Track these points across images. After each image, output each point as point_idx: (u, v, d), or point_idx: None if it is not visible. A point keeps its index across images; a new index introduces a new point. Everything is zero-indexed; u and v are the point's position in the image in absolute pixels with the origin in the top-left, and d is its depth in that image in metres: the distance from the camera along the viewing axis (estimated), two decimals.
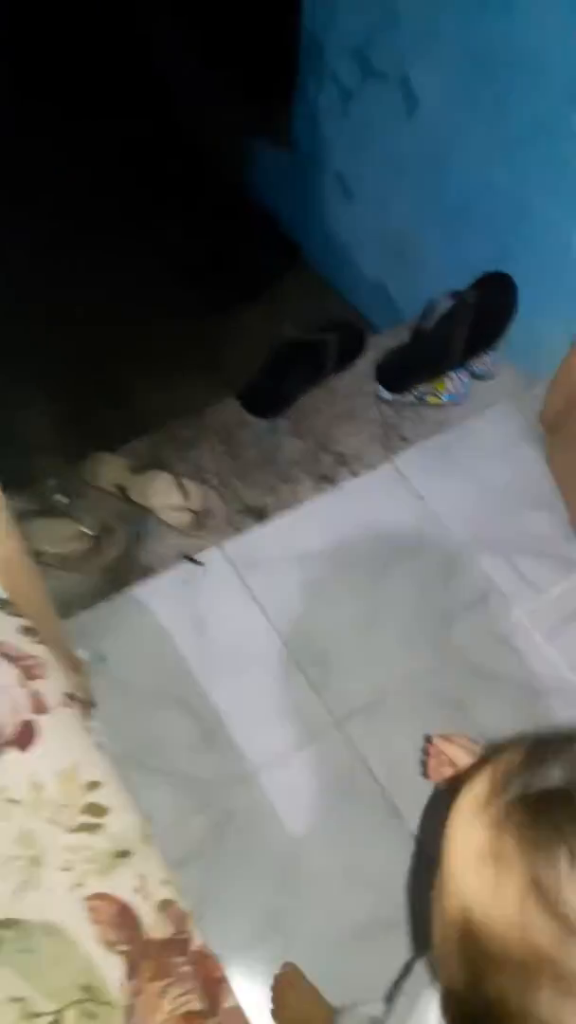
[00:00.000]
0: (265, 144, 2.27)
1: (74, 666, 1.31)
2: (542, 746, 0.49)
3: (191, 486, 1.56)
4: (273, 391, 1.73)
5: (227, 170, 2.35)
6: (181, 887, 0.80)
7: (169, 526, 1.54)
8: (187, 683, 1.40)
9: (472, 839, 0.48)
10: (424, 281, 1.90)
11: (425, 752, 1.10)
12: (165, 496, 1.54)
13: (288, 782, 1.33)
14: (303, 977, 1.18)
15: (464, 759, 0.97)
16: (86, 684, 1.34)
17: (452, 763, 0.98)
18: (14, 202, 1.95)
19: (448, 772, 0.99)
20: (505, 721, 1.40)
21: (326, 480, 1.64)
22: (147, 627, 1.45)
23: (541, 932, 0.43)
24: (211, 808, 1.30)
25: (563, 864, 0.43)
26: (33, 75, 2.37)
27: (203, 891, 1.23)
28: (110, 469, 1.58)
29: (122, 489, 1.55)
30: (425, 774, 1.02)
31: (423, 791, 1.33)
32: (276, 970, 1.19)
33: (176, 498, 1.54)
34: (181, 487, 1.55)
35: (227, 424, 1.69)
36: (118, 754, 1.32)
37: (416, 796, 1.32)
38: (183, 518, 1.54)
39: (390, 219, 1.97)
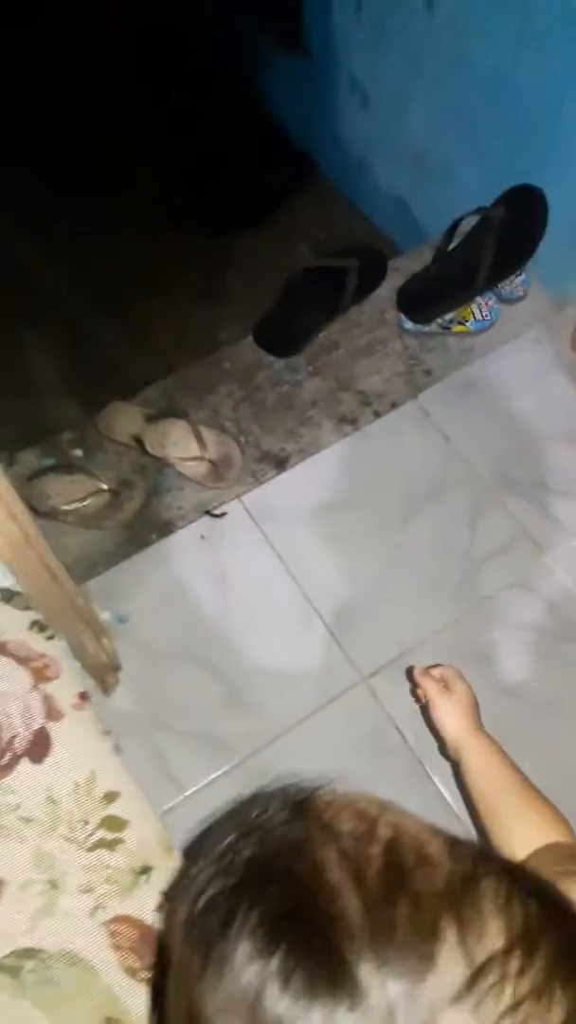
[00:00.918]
0: (275, 48, 2.10)
1: (99, 631, 1.29)
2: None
3: (208, 435, 1.51)
4: (289, 326, 1.65)
5: (236, 80, 2.18)
6: None
7: (187, 478, 1.50)
8: (210, 641, 1.38)
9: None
10: (448, 196, 1.78)
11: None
12: (182, 447, 1.50)
13: (315, 740, 1.32)
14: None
15: (434, 692, 1.05)
16: (111, 649, 1.33)
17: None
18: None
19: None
20: (535, 673, 1.38)
21: (347, 422, 1.57)
22: (168, 585, 1.42)
23: None
24: (238, 770, 1.30)
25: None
26: None
27: None
28: (125, 420, 1.53)
29: (138, 440, 1.50)
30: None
31: None
32: None
33: (193, 448, 1.49)
34: (198, 436, 1.49)
35: (244, 365, 1.62)
36: (143, 716, 1.33)
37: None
38: (200, 469, 1.49)
39: (410, 127, 1.82)
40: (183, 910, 0.44)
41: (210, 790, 1.29)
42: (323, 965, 0.38)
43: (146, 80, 2.14)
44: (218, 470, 1.50)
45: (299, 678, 1.37)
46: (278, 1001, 0.38)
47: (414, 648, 1.39)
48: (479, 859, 0.43)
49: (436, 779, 1.30)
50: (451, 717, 1.03)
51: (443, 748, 1.07)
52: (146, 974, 0.72)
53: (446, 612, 1.42)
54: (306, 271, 1.67)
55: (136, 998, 0.71)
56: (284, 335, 1.65)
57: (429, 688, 1.06)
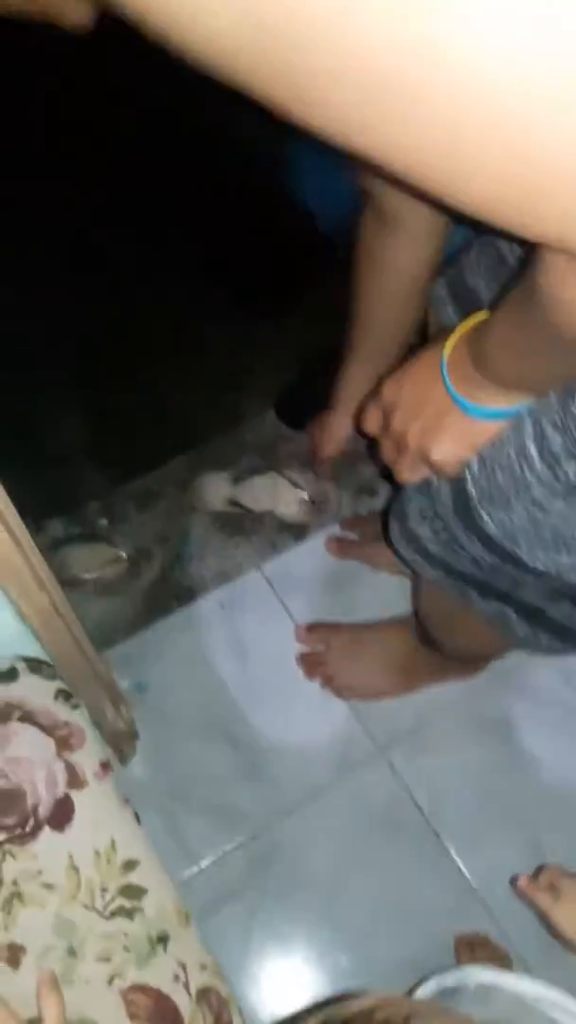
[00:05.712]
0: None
1: (117, 700, 1.31)
2: None
3: (298, 477, 1.56)
4: (308, 399, 1.69)
5: (262, 165, 2.27)
6: (220, 969, 0.80)
7: (207, 544, 1.53)
8: (229, 712, 1.40)
9: None
10: None
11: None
12: (283, 494, 1.54)
13: (332, 814, 1.32)
14: None
15: (547, 904, 0.96)
16: (130, 717, 1.34)
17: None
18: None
19: None
20: (552, 742, 1.38)
21: (365, 492, 1.61)
22: (187, 654, 1.44)
23: None
24: (255, 842, 1.30)
25: None
26: None
27: (247, 927, 1.24)
28: (215, 488, 1.57)
29: (235, 503, 1.54)
30: None
31: (468, 823, 1.32)
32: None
33: (290, 492, 1.54)
34: (290, 479, 1.54)
35: (265, 438, 1.67)
36: (159, 786, 1.34)
37: (461, 827, 1.31)
38: (303, 509, 1.54)
39: None
40: None
41: (223, 864, 1.29)
42: None
43: (170, 177, 2.22)
44: (318, 504, 1.55)
45: (317, 750, 1.37)
46: None
47: (432, 718, 1.39)
48: None
49: (453, 851, 1.29)
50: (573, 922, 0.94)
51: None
52: None
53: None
54: (324, 346, 1.72)
55: None
56: (304, 408, 1.69)
57: (541, 902, 0.97)
